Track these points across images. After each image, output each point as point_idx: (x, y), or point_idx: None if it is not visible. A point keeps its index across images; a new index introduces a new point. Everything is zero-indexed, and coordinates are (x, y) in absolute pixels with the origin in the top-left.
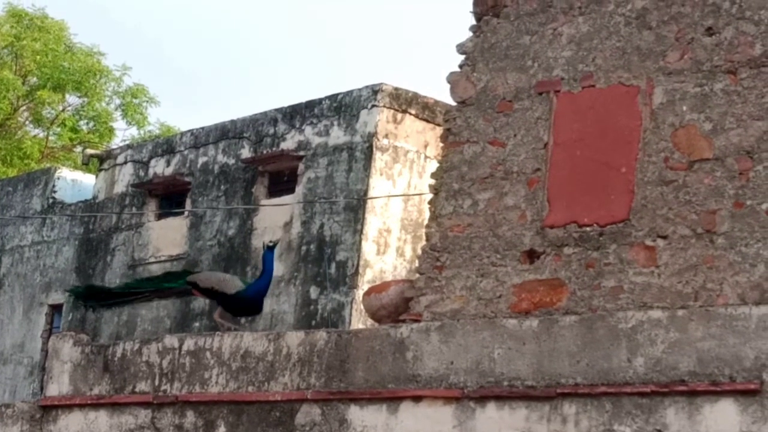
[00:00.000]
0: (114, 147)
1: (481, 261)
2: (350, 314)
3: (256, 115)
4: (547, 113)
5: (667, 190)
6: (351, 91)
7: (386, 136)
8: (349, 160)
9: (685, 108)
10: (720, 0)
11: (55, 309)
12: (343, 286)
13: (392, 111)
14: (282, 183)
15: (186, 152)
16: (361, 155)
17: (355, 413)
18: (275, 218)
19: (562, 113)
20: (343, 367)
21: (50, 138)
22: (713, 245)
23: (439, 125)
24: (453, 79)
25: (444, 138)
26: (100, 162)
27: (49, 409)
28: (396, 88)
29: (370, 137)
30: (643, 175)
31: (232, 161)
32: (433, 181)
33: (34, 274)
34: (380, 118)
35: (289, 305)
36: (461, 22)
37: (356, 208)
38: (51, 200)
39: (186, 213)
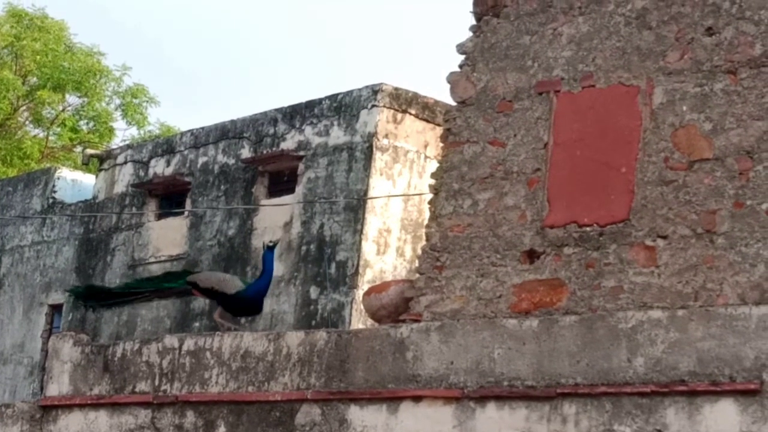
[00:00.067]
0: (114, 147)
1: (481, 261)
2: (350, 314)
3: (256, 115)
4: (547, 113)
5: (667, 190)
6: (351, 91)
7: (386, 136)
8: (349, 160)
9: (685, 108)
10: (720, 0)
11: (55, 309)
12: (343, 286)
13: (392, 111)
14: (282, 183)
15: (186, 152)
16: (361, 155)
17: (355, 413)
18: (275, 218)
19: (562, 113)
20: (343, 367)
21: (50, 138)
22: (713, 245)
23: (439, 125)
24: (453, 79)
25: (444, 138)
26: (100, 162)
27: (49, 409)
28: (396, 88)
29: (370, 137)
30: (643, 175)
31: (232, 161)
32: (433, 181)
33: (34, 274)
34: (380, 118)
35: (289, 305)
36: (461, 22)
37: (356, 208)
38: (51, 200)
39: (186, 213)
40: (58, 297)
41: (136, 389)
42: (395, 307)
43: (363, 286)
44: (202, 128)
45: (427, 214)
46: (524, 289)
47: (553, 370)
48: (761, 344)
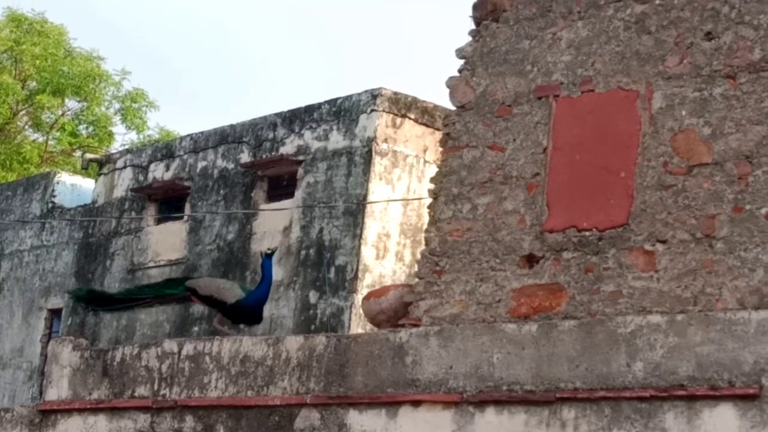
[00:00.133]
0: (113, 151)
1: (481, 266)
2: (349, 319)
3: (255, 119)
4: (546, 118)
5: (667, 194)
6: (350, 96)
7: (385, 140)
8: (349, 165)
9: (684, 113)
10: (719, 5)
11: (55, 313)
12: (342, 290)
13: (391, 115)
14: (281, 187)
15: (185, 157)
16: (360, 160)
17: (354, 418)
18: (274, 223)
19: (561, 118)
20: (343, 372)
21: (50, 142)
22: (712, 250)
23: (438, 130)
24: (452, 84)
25: (443, 142)
26: (100, 166)
27: (49, 414)
28: (395, 93)
29: (370, 142)
30: (642, 180)
31: (231, 166)
32: (432, 186)
33: (33, 278)
34: (379, 123)
35: (289, 310)
36: (461, 26)
37: (355, 213)
38: (50, 205)
39: (185, 217)
40: (57, 301)
41: (136, 394)
42: (394, 312)
43: (362, 291)
44: (202, 133)
45: (426, 219)
46: (523, 293)
47: (553, 375)
48: (760, 349)
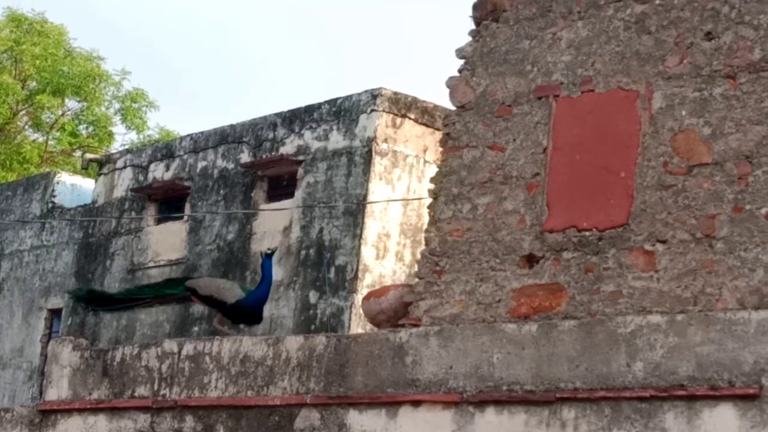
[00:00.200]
0: (113, 151)
1: (481, 266)
2: (349, 319)
3: (255, 119)
4: (546, 118)
5: (667, 194)
6: (350, 96)
7: (385, 140)
8: (349, 165)
9: (684, 113)
10: (719, 5)
11: (55, 313)
12: (342, 290)
13: (391, 115)
14: (281, 187)
15: (185, 157)
16: (360, 160)
17: (354, 418)
18: (274, 223)
19: (561, 118)
20: (343, 372)
21: (50, 142)
22: (712, 250)
23: (438, 130)
24: (452, 84)
25: (443, 142)
26: (100, 166)
27: (49, 414)
28: (395, 93)
29: (370, 142)
30: (642, 180)
31: (231, 166)
32: (432, 186)
33: (33, 278)
34: (379, 123)
35: (289, 310)
36: (461, 26)
37: (355, 213)
38: (50, 205)
39: (185, 217)
40: (57, 301)
41: (136, 394)
42: (394, 312)
43: (362, 291)
44: (202, 133)
45: (426, 219)
46: (523, 293)
47: (553, 375)
48: (760, 349)
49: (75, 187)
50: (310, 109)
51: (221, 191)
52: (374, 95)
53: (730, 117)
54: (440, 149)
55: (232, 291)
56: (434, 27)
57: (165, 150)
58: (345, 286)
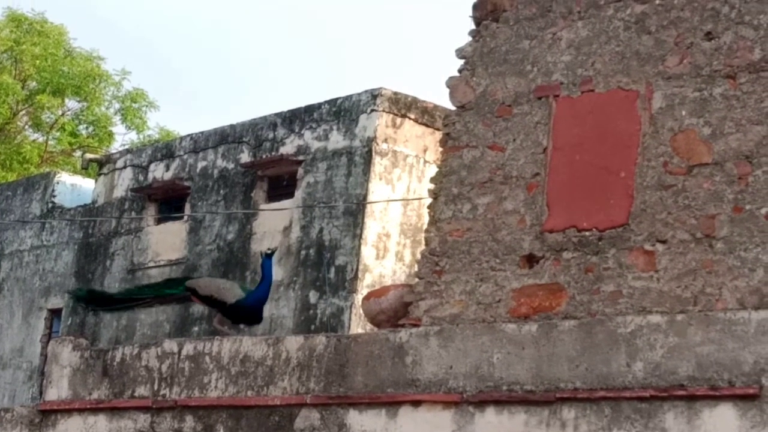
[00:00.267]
0: (113, 151)
1: (481, 266)
2: (349, 319)
3: (255, 119)
4: (546, 118)
5: (666, 194)
6: (350, 96)
7: (385, 140)
8: (349, 165)
9: (684, 112)
10: (719, 5)
11: (55, 313)
12: (342, 290)
13: (391, 115)
14: (281, 187)
15: (185, 157)
16: (360, 160)
17: (354, 418)
18: (274, 223)
19: (561, 118)
20: (343, 372)
21: (50, 142)
22: (712, 250)
23: (438, 130)
24: (452, 84)
25: (443, 142)
26: (100, 166)
27: (49, 414)
28: (395, 93)
29: (370, 142)
30: (642, 180)
31: (231, 166)
32: (432, 186)
33: (33, 278)
34: (379, 123)
35: (289, 310)
36: (461, 26)
37: (355, 213)
38: (50, 205)
39: (185, 217)
40: (57, 301)
41: (136, 394)
42: (394, 312)
43: (362, 291)
44: (202, 133)
45: (426, 219)
46: (523, 293)
47: (553, 375)
48: (760, 349)
49: (75, 187)
50: (310, 109)
51: (221, 191)
52: (374, 95)
53: (730, 117)
54: (440, 149)
55: (232, 291)
56: (434, 27)
57: (165, 150)
58: (345, 286)
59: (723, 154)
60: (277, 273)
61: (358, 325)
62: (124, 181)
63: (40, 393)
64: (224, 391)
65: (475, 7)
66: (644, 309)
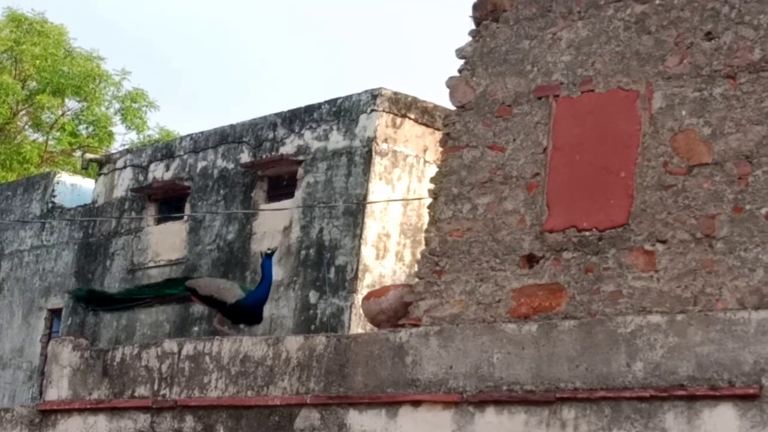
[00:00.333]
0: (113, 151)
1: (481, 266)
2: (349, 319)
3: (255, 119)
4: (546, 118)
5: (667, 194)
6: (350, 96)
7: (385, 140)
8: (349, 165)
9: (684, 113)
10: (719, 5)
11: (55, 313)
12: (342, 290)
13: (391, 115)
14: (281, 187)
15: (185, 157)
16: (360, 160)
17: (354, 418)
18: (274, 223)
19: (561, 118)
20: (343, 372)
21: (50, 142)
22: (712, 250)
23: (438, 130)
24: (452, 84)
25: (443, 142)
26: (100, 166)
27: (48, 414)
28: (395, 93)
29: (370, 142)
30: (642, 180)
31: (231, 166)
32: (432, 186)
33: (33, 278)
34: (379, 123)
35: (289, 310)
36: (461, 26)
37: (355, 213)
38: (50, 205)
39: (185, 217)
40: (57, 301)
41: (136, 394)
42: (394, 312)
43: (362, 291)
44: (202, 133)
45: (426, 219)
46: (523, 293)
47: (553, 375)
48: (760, 349)
49: (75, 187)
50: (310, 109)
51: (221, 191)
52: (374, 95)
53: (730, 117)
54: (440, 149)
55: (232, 291)
56: (434, 27)
57: (165, 150)
58: (345, 286)
59: (723, 154)
60: (277, 273)
61: (358, 325)
62: (124, 181)
63: (40, 393)
64: (224, 391)
65: (475, 7)
66: (644, 309)
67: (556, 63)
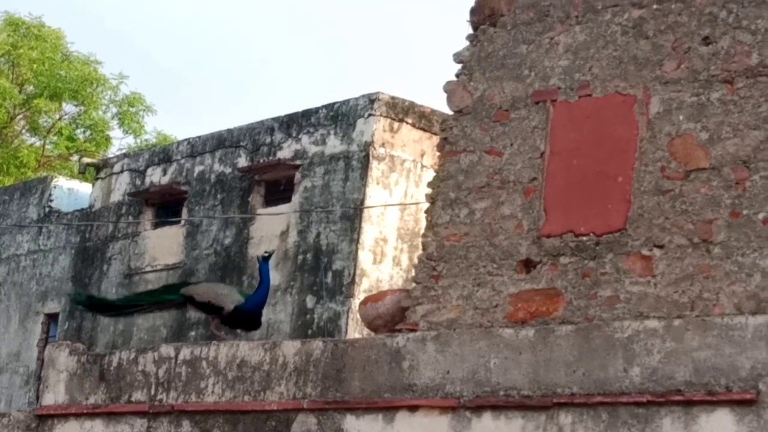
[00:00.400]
0: (110, 156)
1: (478, 270)
2: (346, 323)
3: (252, 123)
4: (543, 122)
5: (664, 199)
6: (348, 100)
7: (383, 145)
8: (346, 169)
9: (681, 117)
10: (717, 9)
11: (51, 318)
12: (339, 295)
13: (389, 120)
14: (278, 192)
15: (182, 161)
16: (357, 164)
17: (351, 423)
18: (272, 227)
19: (558, 122)
20: (339, 377)
21: (47, 147)
22: (710, 255)
23: (435, 134)
24: (450, 88)
25: (440, 147)
26: (97, 171)
27: (45, 419)
28: (393, 97)
29: (367, 146)
30: (640, 185)
31: (228, 170)
32: (429, 190)
33: (30, 282)
34: (377, 127)
35: (286, 314)
36: (459, 30)
37: (353, 217)
38: (47, 209)
39: (182, 222)
40: (54, 306)
41: (132, 398)
42: (391, 317)
43: (359, 296)
44: (199, 137)
45: (423, 224)
46: (520, 298)
47: (550, 380)
48: (757, 354)
49: (72, 191)
50: (307, 114)
51: (218, 196)
52: (372, 100)
53: (728, 122)
54: (437, 154)
55: (230, 296)
56: (432, 31)
57: (162, 154)
58: (342, 290)
59: (720, 158)
60: (275, 278)
61: (355, 329)
62: (121, 186)
63: (37, 398)
64: (221, 396)
65: (472, 11)
66: (641, 314)
67: (554, 68)
